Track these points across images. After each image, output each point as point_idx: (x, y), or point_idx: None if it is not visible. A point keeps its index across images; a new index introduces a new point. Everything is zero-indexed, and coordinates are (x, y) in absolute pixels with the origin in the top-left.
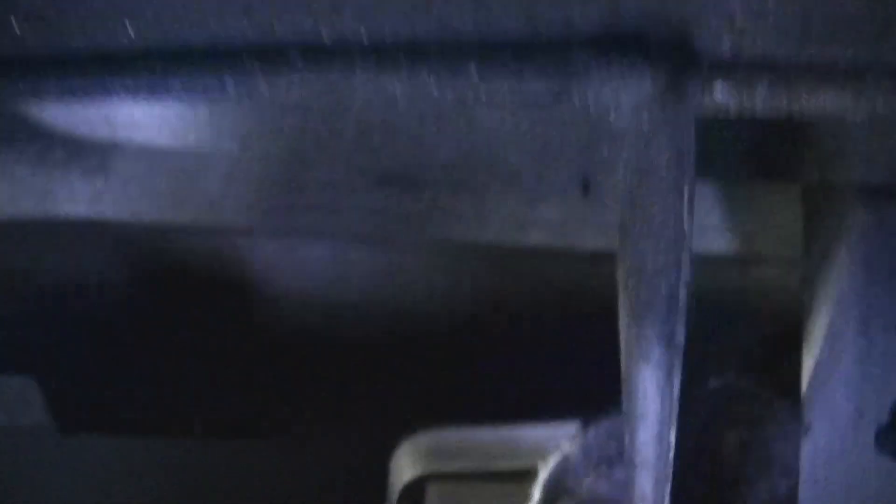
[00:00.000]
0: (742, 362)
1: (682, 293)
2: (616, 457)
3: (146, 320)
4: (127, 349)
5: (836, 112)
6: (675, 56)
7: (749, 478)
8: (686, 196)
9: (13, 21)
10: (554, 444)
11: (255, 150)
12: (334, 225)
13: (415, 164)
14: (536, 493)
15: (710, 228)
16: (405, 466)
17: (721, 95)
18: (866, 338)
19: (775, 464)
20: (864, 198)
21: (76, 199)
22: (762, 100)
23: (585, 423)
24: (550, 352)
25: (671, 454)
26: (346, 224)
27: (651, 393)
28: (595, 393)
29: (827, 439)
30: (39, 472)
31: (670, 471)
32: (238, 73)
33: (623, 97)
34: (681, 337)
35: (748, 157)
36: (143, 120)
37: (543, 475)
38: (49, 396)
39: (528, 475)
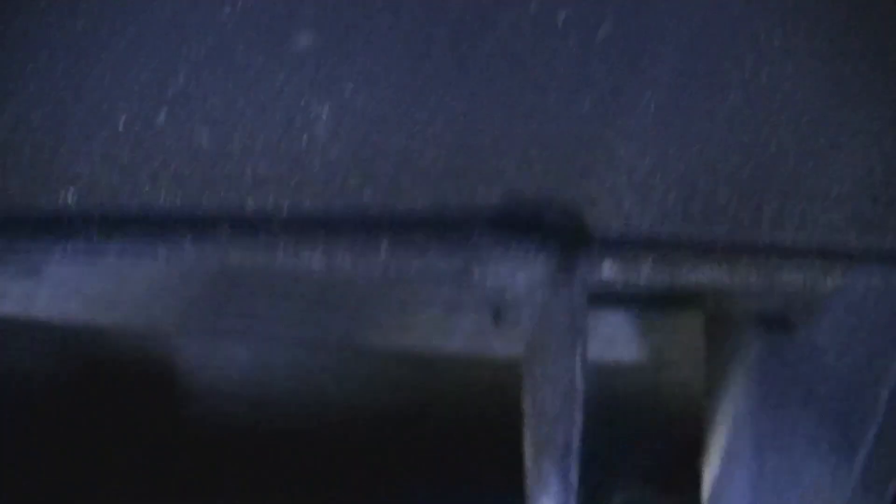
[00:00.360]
0: (646, 473)
1: (576, 437)
2: None
3: (75, 416)
4: (55, 445)
5: (714, 285)
6: (567, 238)
7: None
8: (578, 356)
9: None
10: None
11: (182, 264)
12: (259, 328)
13: (334, 285)
14: None
15: (619, 340)
16: None
17: (609, 272)
18: (759, 458)
19: None
20: (759, 327)
21: (7, 298)
22: (647, 275)
23: None
24: (468, 454)
25: None
26: (269, 328)
27: None
28: (510, 493)
29: None
30: None
31: None
32: (169, 242)
33: (519, 274)
34: (575, 475)
35: (651, 289)
36: None
37: None
38: None
39: None
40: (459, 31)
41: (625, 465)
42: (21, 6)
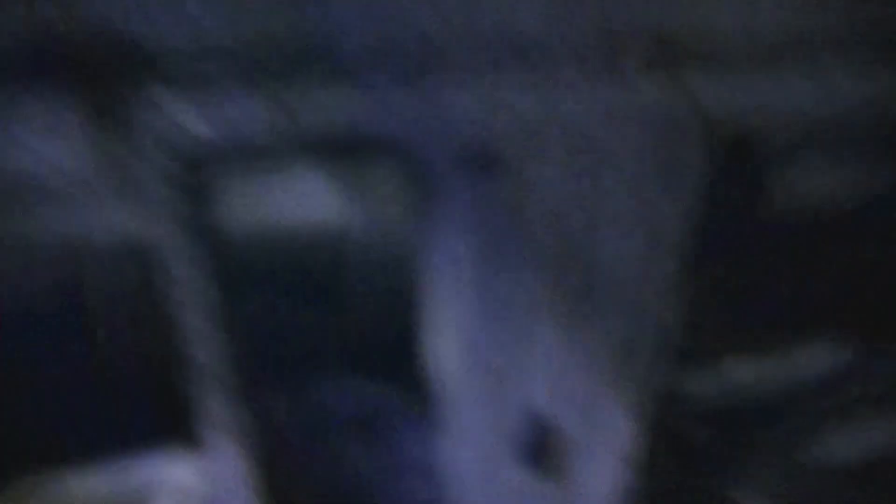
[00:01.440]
0: (360, 360)
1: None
2: None
3: None
4: None
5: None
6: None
7: (382, 483)
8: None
9: None
10: None
11: None
12: None
13: None
14: None
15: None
16: None
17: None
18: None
19: (412, 467)
20: (467, 169)
21: None
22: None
23: None
24: None
25: None
26: None
27: None
28: None
29: (471, 444)
30: None
31: None
32: None
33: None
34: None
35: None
36: None
37: None
38: None
39: None
40: None
41: (329, 348)
42: None
